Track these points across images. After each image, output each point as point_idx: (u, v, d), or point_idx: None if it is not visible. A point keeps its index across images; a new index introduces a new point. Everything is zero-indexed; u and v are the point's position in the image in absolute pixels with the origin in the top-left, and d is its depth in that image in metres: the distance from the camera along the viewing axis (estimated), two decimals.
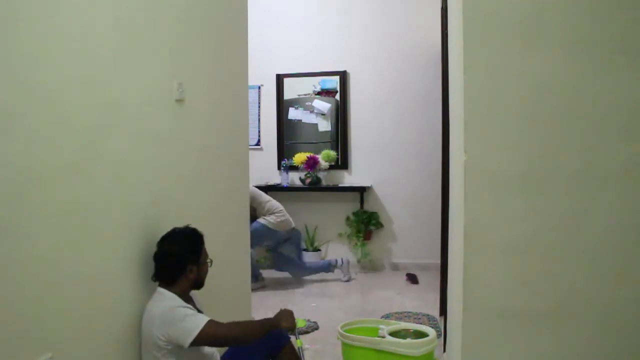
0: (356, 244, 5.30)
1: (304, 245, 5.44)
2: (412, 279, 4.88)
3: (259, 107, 5.62)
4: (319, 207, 5.50)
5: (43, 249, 1.71)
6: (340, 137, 5.44)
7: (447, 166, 2.97)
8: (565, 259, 1.72)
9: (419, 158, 5.24)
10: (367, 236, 5.31)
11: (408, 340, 2.57)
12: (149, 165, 2.36)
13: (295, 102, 5.53)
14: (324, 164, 5.32)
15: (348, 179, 5.46)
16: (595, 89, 1.68)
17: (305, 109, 5.51)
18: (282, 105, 5.55)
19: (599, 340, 1.72)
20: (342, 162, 5.44)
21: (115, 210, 2.09)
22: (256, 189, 4.88)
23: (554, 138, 1.71)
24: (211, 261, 2.37)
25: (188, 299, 2.26)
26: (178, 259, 2.21)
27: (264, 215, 4.71)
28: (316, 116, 5.48)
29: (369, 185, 5.37)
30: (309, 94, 5.49)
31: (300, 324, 3.18)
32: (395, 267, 5.33)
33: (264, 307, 4.05)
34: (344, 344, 2.67)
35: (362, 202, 5.36)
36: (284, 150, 5.57)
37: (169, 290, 2.20)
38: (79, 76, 1.89)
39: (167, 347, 2.08)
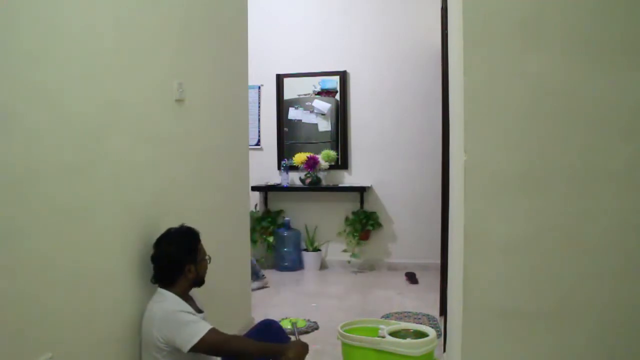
0: (350, 241, 5.30)
1: (304, 245, 5.44)
2: (412, 278, 4.88)
3: (259, 107, 5.62)
4: (319, 207, 5.50)
5: (43, 249, 1.71)
6: (340, 137, 5.44)
7: (447, 166, 2.97)
8: (565, 259, 1.72)
9: (419, 158, 5.24)
10: (363, 236, 5.30)
11: (408, 340, 2.57)
12: (149, 165, 2.36)
13: (295, 102, 5.53)
14: (324, 164, 5.32)
15: (348, 179, 5.46)
16: (595, 89, 1.68)
17: (305, 109, 5.51)
18: (282, 105, 5.55)
19: (598, 340, 1.72)
20: (342, 162, 5.43)
21: (115, 210, 2.09)
22: None
23: (554, 138, 1.71)
24: (209, 258, 2.36)
25: (188, 299, 2.26)
26: (175, 260, 2.21)
27: None
28: (316, 116, 5.48)
29: (369, 185, 5.37)
30: (309, 94, 5.49)
31: (300, 324, 3.18)
32: (395, 267, 5.33)
33: (263, 305, 4.05)
34: (344, 344, 2.67)
35: (362, 202, 5.36)
36: (284, 150, 5.57)
37: (169, 290, 2.20)
38: (79, 76, 1.89)
39: (166, 349, 2.08)
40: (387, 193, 5.38)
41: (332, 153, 5.34)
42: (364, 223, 5.29)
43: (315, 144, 5.47)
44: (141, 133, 2.29)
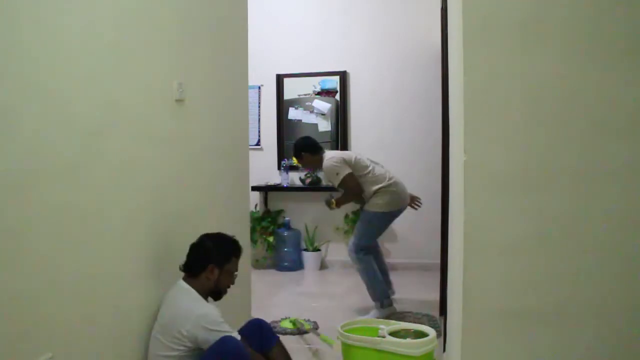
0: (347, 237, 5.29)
1: (304, 245, 5.44)
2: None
3: (259, 107, 5.62)
4: (319, 207, 5.47)
5: (43, 249, 1.71)
6: (340, 137, 5.44)
7: (447, 166, 2.97)
8: (565, 259, 1.72)
9: (419, 158, 5.24)
10: None
11: (408, 340, 2.57)
12: (149, 165, 2.36)
13: (295, 102, 5.52)
14: None
15: None
16: (595, 89, 1.68)
17: (305, 109, 5.50)
18: (282, 105, 5.55)
19: (599, 341, 1.72)
20: None
21: (115, 210, 2.09)
22: (345, 153, 4.01)
23: (554, 138, 1.70)
24: (236, 276, 2.42)
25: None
26: (205, 254, 2.30)
27: (371, 192, 3.88)
28: (316, 116, 5.47)
29: None
30: (309, 94, 5.49)
31: (306, 326, 3.19)
32: (395, 267, 5.31)
33: (263, 305, 4.05)
34: (344, 344, 2.67)
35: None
36: (284, 150, 5.57)
37: (190, 284, 2.25)
38: (79, 76, 1.89)
39: (190, 345, 2.13)
40: None
41: None
42: None
43: None
44: (141, 133, 2.29)
